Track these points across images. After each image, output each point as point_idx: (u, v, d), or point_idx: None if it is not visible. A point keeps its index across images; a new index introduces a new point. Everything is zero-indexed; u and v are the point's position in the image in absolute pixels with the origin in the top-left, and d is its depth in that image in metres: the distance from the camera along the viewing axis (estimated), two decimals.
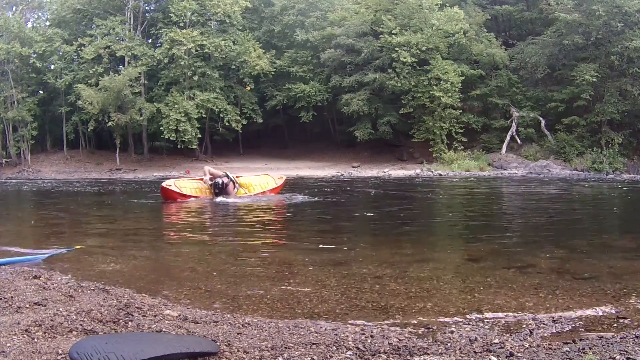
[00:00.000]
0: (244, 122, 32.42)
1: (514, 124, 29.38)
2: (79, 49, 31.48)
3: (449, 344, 2.90)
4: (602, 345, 2.76)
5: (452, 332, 3.14)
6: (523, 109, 29.78)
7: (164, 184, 12.24)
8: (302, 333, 3.09)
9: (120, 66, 32.42)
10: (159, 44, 32.53)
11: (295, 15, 32.78)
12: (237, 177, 13.02)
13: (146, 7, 33.79)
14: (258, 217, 9.91)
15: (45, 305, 3.41)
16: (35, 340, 2.71)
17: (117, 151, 31.80)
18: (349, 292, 4.14)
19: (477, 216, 10.21)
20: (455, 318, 3.46)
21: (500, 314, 3.54)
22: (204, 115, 31.11)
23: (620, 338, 2.89)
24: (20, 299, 3.56)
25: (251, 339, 2.91)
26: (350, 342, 2.90)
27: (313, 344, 2.85)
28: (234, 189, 12.33)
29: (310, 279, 4.58)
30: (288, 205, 11.65)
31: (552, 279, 4.48)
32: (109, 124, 30.14)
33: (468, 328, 3.23)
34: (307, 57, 32.35)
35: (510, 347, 2.81)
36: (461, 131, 29.58)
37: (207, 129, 32.97)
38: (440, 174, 25.44)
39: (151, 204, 12.57)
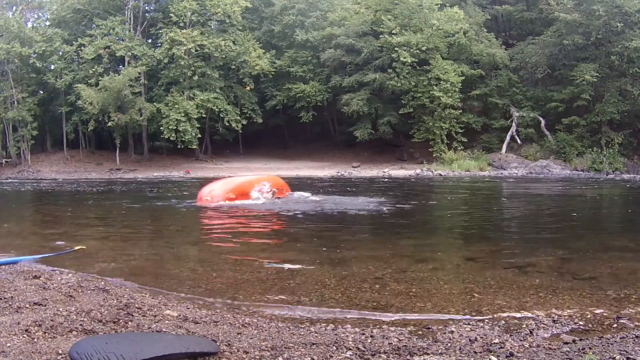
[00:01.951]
0: (244, 122, 32.42)
1: (514, 124, 29.38)
2: (79, 49, 31.45)
3: (449, 344, 2.90)
4: (602, 345, 2.76)
5: (452, 332, 3.14)
6: (523, 109, 29.77)
7: (206, 198, 11.02)
8: (302, 333, 3.09)
9: (120, 66, 32.40)
10: (159, 44, 32.51)
11: (295, 15, 32.77)
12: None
13: (146, 7, 33.76)
14: (258, 217, 9.90)
15: (45, 305, 3.40)
16: (35, 340, 2.71)
17: (117, 151, 31.79)
18: (349, 292, 4.14)
19: (477, 216, 10.21)
20: (455, 318, 3.46)
21: (500, 314, 3.54)
22: (204, 115, 31.11)
23: (620, 338, 2.89)
24: (20, 299, 3.56)
25: (251, 339, 2.91)
26: (350, 342, 2.89)
27: (313, 344, 2.85)
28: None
29: (310, 279, 4.57)
30: (288, 206, 11.62)
31: (552, 279, 4.48)
32: (109, 124, 30.12)
33: (468, 328, 3.22)
34: (307, 57, 32.35)
35: (510, 347, 2.81)
36: (461, 131, 29.57)
37: (207, 129, 32.97)
38: (440, 174, 25.43)
39: (151, 204, 12.57)
